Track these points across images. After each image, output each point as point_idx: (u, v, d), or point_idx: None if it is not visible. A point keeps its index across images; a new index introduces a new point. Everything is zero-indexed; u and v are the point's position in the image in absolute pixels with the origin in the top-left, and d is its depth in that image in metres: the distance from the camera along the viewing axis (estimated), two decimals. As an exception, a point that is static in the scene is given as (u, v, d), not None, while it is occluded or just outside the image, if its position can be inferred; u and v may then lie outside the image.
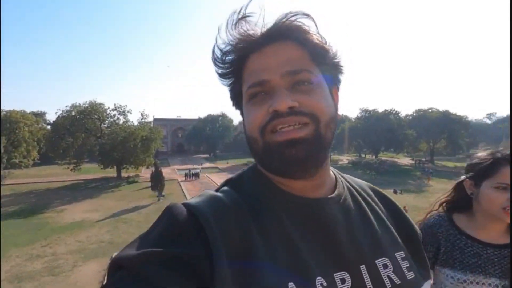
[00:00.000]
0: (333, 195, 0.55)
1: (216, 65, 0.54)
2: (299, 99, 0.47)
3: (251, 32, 0.50)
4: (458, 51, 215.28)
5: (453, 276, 1.02)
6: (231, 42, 0.51)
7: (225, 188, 0.54)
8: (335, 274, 0.45)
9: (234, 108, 0.59)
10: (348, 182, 0.62)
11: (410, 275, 0.52)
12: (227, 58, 0.53)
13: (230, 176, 0.59)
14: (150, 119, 39.32)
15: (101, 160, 28.11)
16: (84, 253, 11.48)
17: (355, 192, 0.60)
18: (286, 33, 0.50)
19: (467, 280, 1.00)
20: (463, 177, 1.11)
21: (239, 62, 0.52)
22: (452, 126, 39.19)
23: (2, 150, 23.17)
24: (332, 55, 0.53)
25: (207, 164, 41.97)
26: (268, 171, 0.53)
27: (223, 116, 53.71)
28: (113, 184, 26.90)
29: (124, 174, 29.72)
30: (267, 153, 0.49)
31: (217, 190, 0.55)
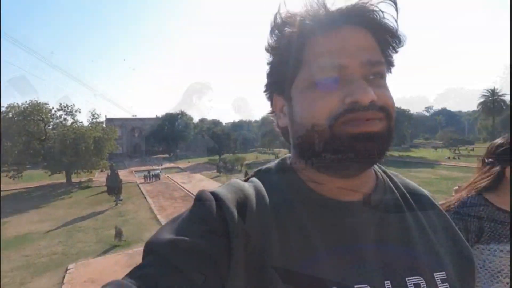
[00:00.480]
0: (367, 199, 0.50)
1: (272, 36, 0.49)
2: (376, 93, 0.42)
3: (322, 8, 0.44)
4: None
5: (502, 249, 1.07)
6: (296, 15, 0.45)
7: (253, 179, 0.53)
8: (355, 286, 0.42)
9: (269, 89, 0.54)
10: (395, 184, 0.56)
11: None
12: (288, 30, 0.46)
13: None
14: (102, 119, 36.75)
15: (48, 165, 25.54)
16: (34, 267, 10.40)
17: (400, 198, 0.53)
18: (363, 17, 0.44)
19: None
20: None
21: (303, 39, 0.45)
22: (398, 118, 42.91)
23: (2, 152, 20.06)
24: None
25: (167, 164, 40.47)
26: (320, 166, 0.47)
27: (183, 114, 52.25)
28: (63, 190, 24.55)
29: (75, 179, 27.34)
30: (332, 145, 0.43)
31: (246, 180, 0.54)
